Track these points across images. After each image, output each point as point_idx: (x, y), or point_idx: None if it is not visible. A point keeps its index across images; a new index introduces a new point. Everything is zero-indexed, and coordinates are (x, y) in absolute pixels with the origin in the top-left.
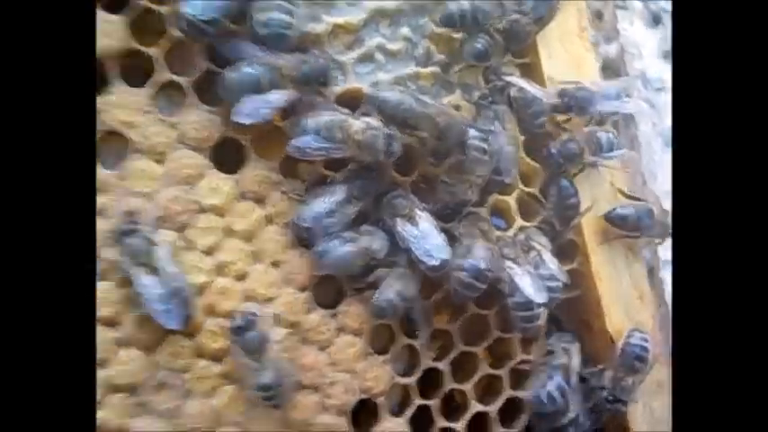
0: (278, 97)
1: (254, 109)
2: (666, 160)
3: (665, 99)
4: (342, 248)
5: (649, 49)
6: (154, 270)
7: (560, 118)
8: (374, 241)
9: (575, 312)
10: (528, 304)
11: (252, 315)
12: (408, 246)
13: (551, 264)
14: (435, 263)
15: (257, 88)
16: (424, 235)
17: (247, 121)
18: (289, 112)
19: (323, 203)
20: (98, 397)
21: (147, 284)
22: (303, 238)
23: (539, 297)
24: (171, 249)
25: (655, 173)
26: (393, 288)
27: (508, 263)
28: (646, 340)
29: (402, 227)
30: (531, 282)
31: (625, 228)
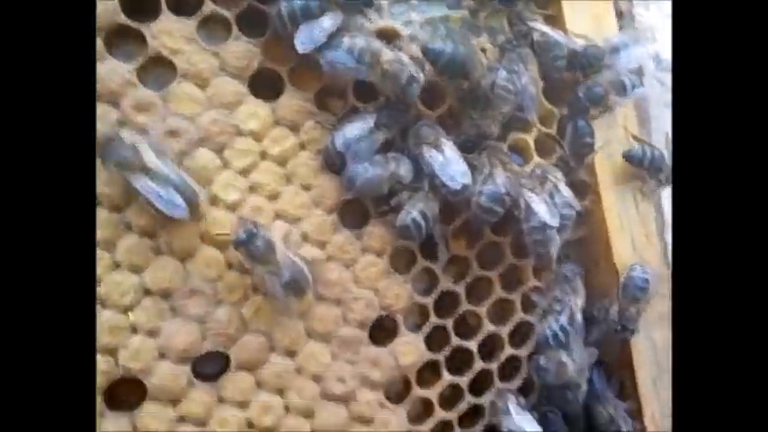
0: (330, 22)
1: (309, 35)
2: None
3: None
4: (371, 171)
5: (663, 32)
6: (148, 171)
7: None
8: (401, 167)
9: (584, 248)
10: (542, 228)
11: (252, 225)
12: (433, 171)
13: (566, 193)
14: (458, 186)
15: (309, 15)
16: (449, 161)
17: (305, 49)
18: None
19: (354, 130)
20: (131, 301)
21: (143, 185)
22: (333, 164)
23: (552, 221)
24: (150, 148)
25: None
26: (417, 208)
27: (525, 191)
28: (646, 272)
29: (428, 153)
30: (546, 207)
31: (640, 165)
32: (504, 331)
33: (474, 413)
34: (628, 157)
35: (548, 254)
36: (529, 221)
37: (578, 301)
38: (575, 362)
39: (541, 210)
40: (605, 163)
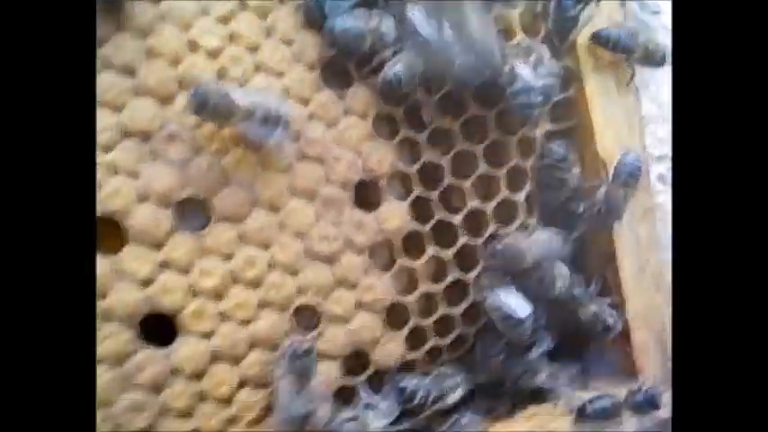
0: None
1: None
2: (658, 74)
3: (660, 21)
4: (349, 22)
5: None
6: None
7: None
8: (383, 23)
9: (569, 139)
10: (527, 91)
11: (199, 86)
12: (415, 28)
13: (550, 63)
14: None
15: None
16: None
17: None
18: None
19: None
20: (111, 140)
21: None
22: (314, 21)
23: (536, 81)
24: None
25: (647, 82)
26: (400, 63)
27: (509, 58)
28: (640, 160)
29: (410, 11)
30: (529, 70)
31: (608, 47)
32: (489, 208)
33: (459, 290)
34: (594, 37)
35: (531, 117)
36: (512, 85)
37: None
38: (532, 250)
39: (525, 72)
40: (587, 49)
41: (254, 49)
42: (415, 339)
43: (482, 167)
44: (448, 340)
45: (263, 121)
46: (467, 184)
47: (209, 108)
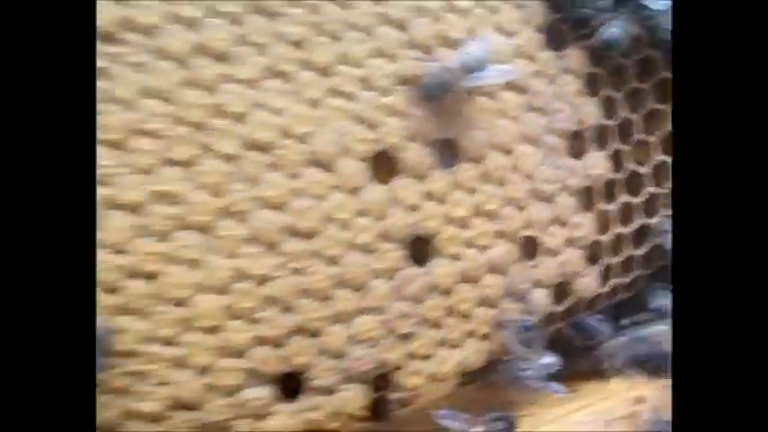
0: None
1: None
2: None
3: None
4: None
5: None
6: None
7: None
8: None
9: None
10: None
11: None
12: None
13: None
14: (660, 7)
15: None
16: None
17: None
18: None
19: None
20: (389, 86)
21: None
22: None
23: None
24: None
25: None
26: (618, 26)
27: None
28: None
29: None
30: None
31: None
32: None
33: (644, 233)
34: None
35: None
36: None
37: None
38: None
39: None
40: None
41: (495, 11)
42: (601, 276)
43: (667, 125)
44: (627, 279)
45: (474, 69)
46: (653, 139)
47: (432, 90)
